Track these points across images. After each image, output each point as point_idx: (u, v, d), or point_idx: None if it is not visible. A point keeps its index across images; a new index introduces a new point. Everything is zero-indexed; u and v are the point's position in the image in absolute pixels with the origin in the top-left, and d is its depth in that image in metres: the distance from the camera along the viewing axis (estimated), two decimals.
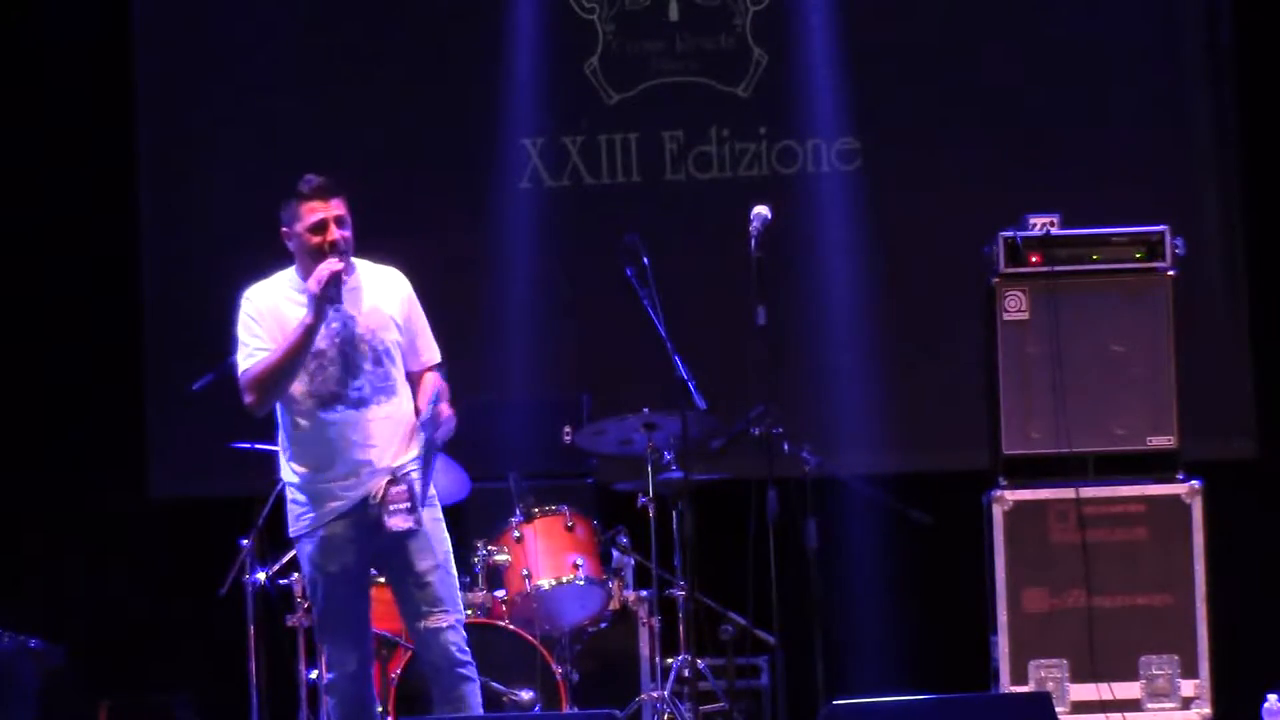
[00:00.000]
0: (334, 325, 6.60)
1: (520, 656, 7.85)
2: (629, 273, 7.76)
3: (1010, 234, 8.19)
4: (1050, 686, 7.91)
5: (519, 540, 8.10)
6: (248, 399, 6.65)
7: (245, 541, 7.77)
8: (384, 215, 8.19)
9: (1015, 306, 8.17)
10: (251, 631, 7.79)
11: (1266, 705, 7.77)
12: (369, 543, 6.64)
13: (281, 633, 7.89)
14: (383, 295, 6.73)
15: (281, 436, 6.75)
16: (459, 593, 6.79)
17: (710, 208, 9.52)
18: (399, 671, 7.77)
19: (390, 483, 6.58)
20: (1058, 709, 7.06)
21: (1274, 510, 9.14)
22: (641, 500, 8.18)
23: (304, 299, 6.59)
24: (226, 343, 7.64)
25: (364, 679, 6.68)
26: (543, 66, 9.68)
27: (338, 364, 6.62)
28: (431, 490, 6.72)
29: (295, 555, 7.82)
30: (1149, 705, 7.96)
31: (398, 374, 6.69)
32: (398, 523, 6.55)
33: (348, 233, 6.61)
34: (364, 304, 6.68)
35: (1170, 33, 9.52)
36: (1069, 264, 8.15)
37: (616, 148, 9.77)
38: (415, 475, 6.59)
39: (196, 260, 9.63)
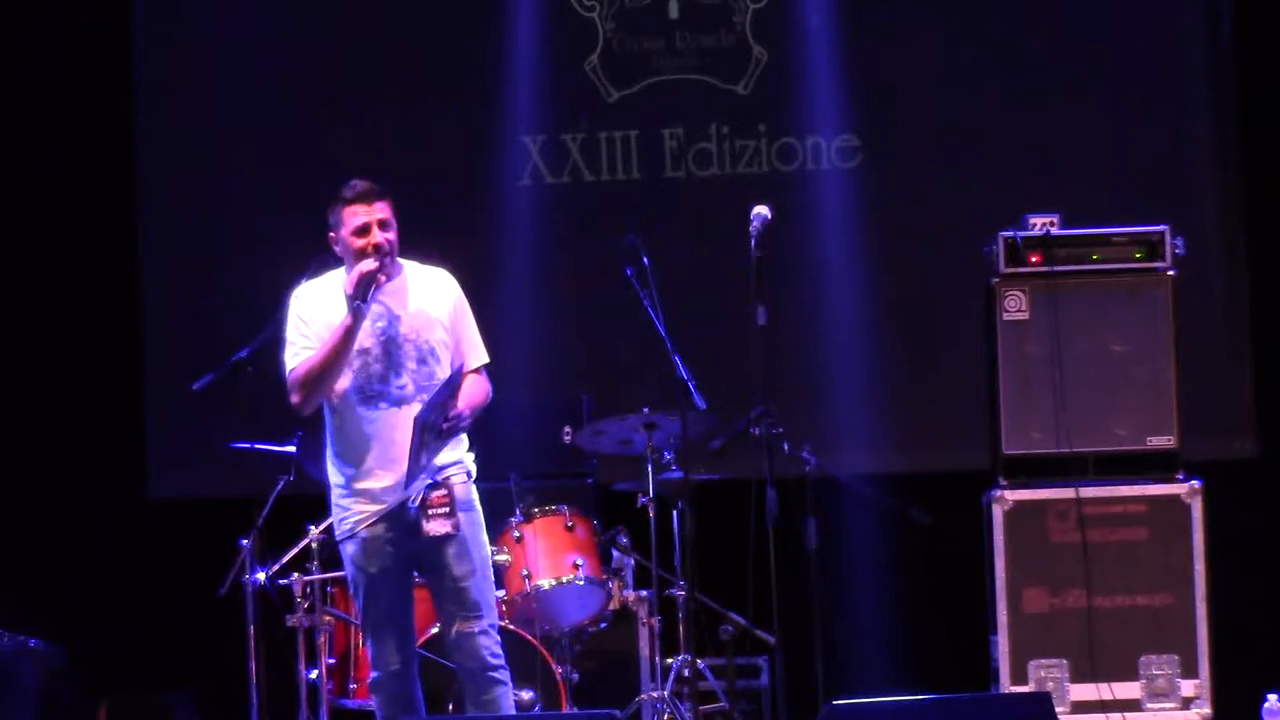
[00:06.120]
0: (380, 324, 6.66)
1: (520, 656, 7.83)
2: (629, 272, 7.75)
3: (1010, 234, 8.18)
4: (1050, 686, 7.91)
5: (519, 540, 8.10)
6: (293, 398, 6.69)
7: (245, 541, 7.77)
8: None
9: (1015, 306, 8.16)
10: (251, 631, 7.78)
11: (1266, 705, 7.78)
12: (409, 544, 6.68)
13: (281, 633, 7.89)
14: (430, 296, 6.78)
15: (326, 437, 6.78)
16: (494, 598, 6.86)
17: (710, 205, 9.51)
18: None
19: (431, 487, 6.63)
20: (1058, 709, 7.05)
21: (1274, 510, 9.15)
22: (641, 500, 8.17)
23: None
24: (227, 343, 7.66)
25: (407, 677, 6.73)
26: (543, 64, 9.67)
27: (382, 362, 6.67)
28: (474, 496, 6.77)
29: (295, 555, 7.88)
30: (1149, 705, 7.96)
31: (442, 374, 6.70)
32: (435, 528, 6.61)
33: (391, 235, 6.69)
34: (410, 304, 6.73)
35: (1170, 33, 9.51)
36: (1069, 264, 8.15)
37: (616, 145, 9.77)
38: (456, 480, 6.66)
39: (196, 261, 9.64)
